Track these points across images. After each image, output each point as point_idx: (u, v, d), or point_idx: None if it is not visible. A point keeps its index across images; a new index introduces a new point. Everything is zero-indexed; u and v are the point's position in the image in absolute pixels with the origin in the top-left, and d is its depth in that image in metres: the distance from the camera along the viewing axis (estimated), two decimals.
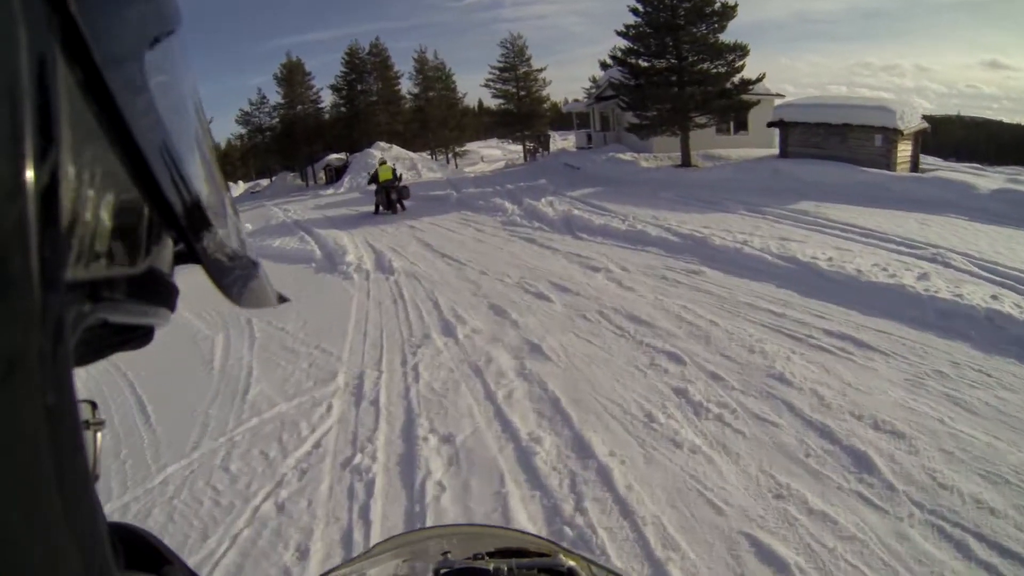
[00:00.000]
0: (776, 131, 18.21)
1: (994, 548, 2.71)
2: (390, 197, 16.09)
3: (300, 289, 8.60)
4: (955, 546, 2.76)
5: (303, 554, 3.15)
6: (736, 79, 18.41)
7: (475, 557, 0.82)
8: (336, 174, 31.12)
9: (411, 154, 31.82)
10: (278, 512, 3.56)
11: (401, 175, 17.17)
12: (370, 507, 3.49)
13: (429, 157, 35.17)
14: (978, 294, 5.56)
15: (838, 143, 16.08)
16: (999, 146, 32.93)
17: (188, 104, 0.32)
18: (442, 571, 0.78)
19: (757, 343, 5.11)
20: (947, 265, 6.80)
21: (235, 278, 0.34)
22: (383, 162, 17.50)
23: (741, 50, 18.09)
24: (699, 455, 3.64)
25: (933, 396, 4.06)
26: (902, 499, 3.09)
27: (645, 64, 19.33)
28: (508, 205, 14.02)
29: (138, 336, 0.32)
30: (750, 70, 18.54)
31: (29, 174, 0.17)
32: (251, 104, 36.56)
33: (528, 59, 34.40)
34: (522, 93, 34.20)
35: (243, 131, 38.48)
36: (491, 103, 38.76)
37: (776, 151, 18.52)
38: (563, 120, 40.69)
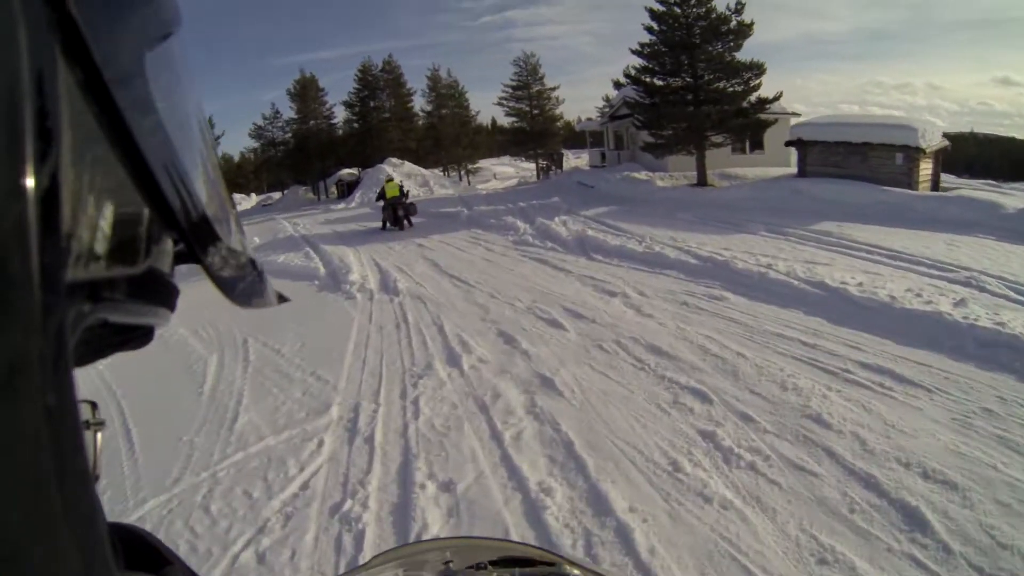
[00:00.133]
0: (792, 150, 17.92)
1: None
2: (397, 213, 16.07)
3: (300, 309, 8.23)
4: None
5: None
6: (753, 98, 18.09)
7: (478, 567, 0.81)
8: (348, 189, 31.17)
9: (423, 171, 31.74)
10: (258, 563, 3.21)
11: (408, 191, 17.13)
12: (358, 563, 3.07)
13: (441, 174, 35.12)
14: (1019, 321, 5.19)
15: (858, 162, 15.79)
16: (1012, 162, 32.85)
17: (188, 105, 0.32)
18: None
19: (789, 378, 4.67)
20: (982, 289, 6.45)
21: (234, 278, 0.34)
22: (390, 179, 17.64)
23: (758, 68, 17.80)
24: (731, 511, 3.20)
25: (983, 438, 3.65)
26: (959, 562, 2.71)
27: (660, 83, 19.11)
28: (520, 224, 13.66)
29: (138, 336, 0.32)
30: (763, 90, 18.26)
31: (29, 175, 0.17)
32: (264, 118, 36.80)
33: (541, 77, 34.41)
34: (535, 111, 34.15)
35: (256, 145, 38.63)
36: (504, 121, 38.68)
37: (793, 170, 18.31)
38: (576, 138, 40.56)
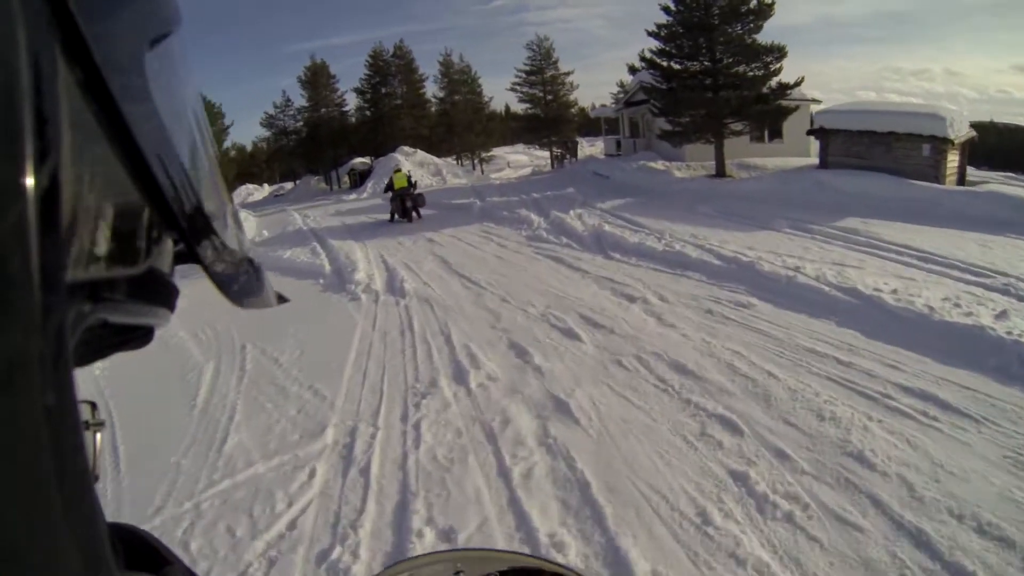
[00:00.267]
0: (812, 139, 17.24)
1: None
2: (405, 205, 15.78)
3: (302, 312, 7.87)
4: None
5: None
6: (773, 83, 17.34)
7: None
8: (360, 178, 30.84)
9: (436, 159, 31.31)
10: None
11: (416, 182, 16.81)
12: None
13: (454, 162, 34.67)
14: None
15: (882, 152, 15.09)
16: None
17: (189, 104, 0.32)
18: None
19: (826, 404, 4.23)
20: (1021, 299, 5.99)
21: (234, 278, 0.34)
22: (398, 169, 17.37)
23: (779, 51, 17.04)
24: None
25: None
26: None
27: (677, 67, 18.41)
28: (534, 217, 13.16)
29: (138, 336, 0.32)
30: (783, 75, 17.51)
31: (29, 175, 0.17)
32: (275, 107, 36.48)
33: (555, 62, 33.71)
34: (549, 97, 33.52)
35: (268, 134, 38.30)
36: (518, 108, 38.07)
37: (812, 160, 17.67)
38: (591, 125, 39.88)
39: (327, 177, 36.42)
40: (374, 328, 6.90)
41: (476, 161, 38.21)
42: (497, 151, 42.34)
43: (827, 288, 6.60)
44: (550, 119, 33.12)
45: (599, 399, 4.58)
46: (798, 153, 19.82)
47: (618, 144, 27.37)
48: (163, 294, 0.30)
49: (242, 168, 43.41)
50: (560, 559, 2.94)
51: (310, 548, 3.31)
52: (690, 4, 17.53)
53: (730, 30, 17.34)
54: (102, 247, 0.23)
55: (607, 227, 11.11)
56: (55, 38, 0.19)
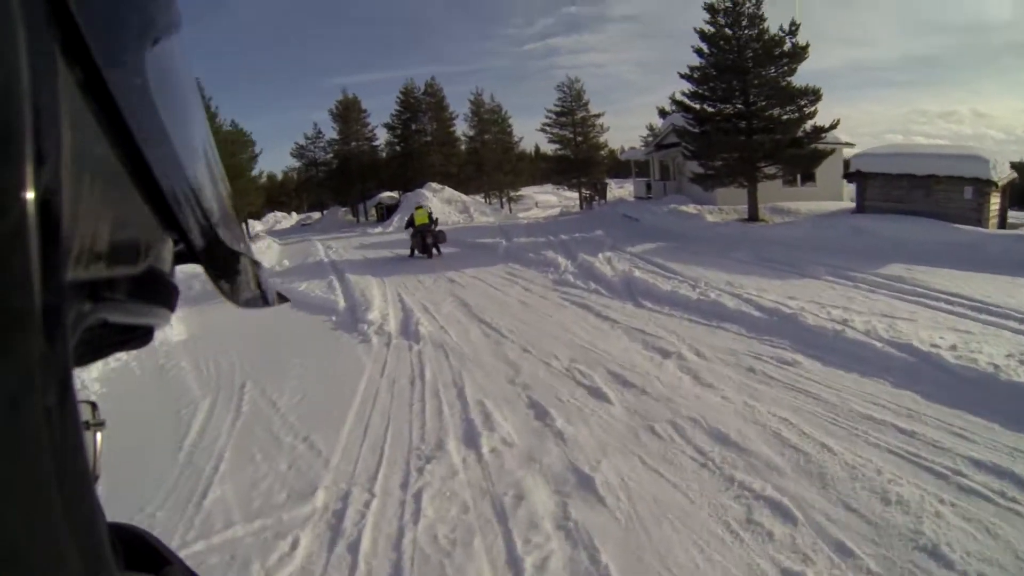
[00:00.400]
0: (846, 182, 16.79)
1: None
2: (425, 241, 15.72)
3: (309, 351, 7.45)
4: None
5: None
6: (807, 126, 16.85)
7: None
8: (387, 212, 31.06)
9: (464, 197, 31.19)
10: None
11: (437, 219, 16.63)
12: None
13: (483, 200, 34.51)
14: None
15: (922, 196, 14.63)
16: None
17: (189, 104, 0.32)
18: None
19: (890, 484, 3.61)
20: None
21: (234, 278, 0.34)
22: (419, 206, 17.37)
23: (813, 94, 16.59)
24: None
25: None
26: None
27: (711, 109, 18.03)
28: (561, 260, 12.65)
29: (138, 336, 0.31)
30: (816, 119, 17.03)
31: (30, 175, 0.17)
32: (307, 138, 36.97)
33: (585, 104, 33.73)
34: (579, 138, 33.43)
35: (298, 164, 38.75)
36: (547, 148, 38.01)
37: (847, 204, 17.23)
38: (621, 167, 39.73)
39: (354, 209, 36.61)
40: (382, 375, 6.36)
41: (504, 200, 38.07)
42: (526, 191, 42.25)
43: (879, 344, 5.99)
44: (580, 160, 32.95)
45: (629, 474, 3.95)
46: (831, 197, 19.47)
47: (648, 186, 26.99)
48: (163, 294, 0.30)
49: (271, 195, 43.96)
50: None
51: None
52: (723, 47, 17.27)
53: (764, 73, 17.01)
54: (102, 247, 0.22)
55: (637, 272, 10.54)
56: (55, 38, 0.18)
